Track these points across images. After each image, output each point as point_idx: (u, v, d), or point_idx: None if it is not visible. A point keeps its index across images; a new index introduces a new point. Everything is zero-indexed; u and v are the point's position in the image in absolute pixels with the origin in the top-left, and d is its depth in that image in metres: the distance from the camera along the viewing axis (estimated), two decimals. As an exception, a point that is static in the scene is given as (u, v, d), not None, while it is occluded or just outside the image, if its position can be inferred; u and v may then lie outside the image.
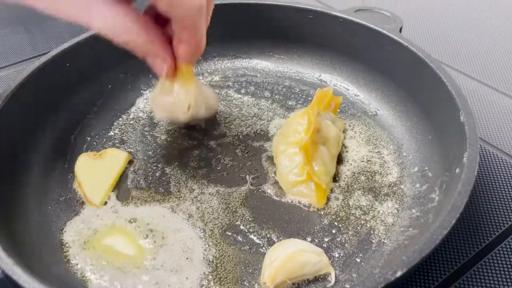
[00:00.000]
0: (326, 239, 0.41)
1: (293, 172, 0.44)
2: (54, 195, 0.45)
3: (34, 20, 0.80)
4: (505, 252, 0.42)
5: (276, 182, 0.46)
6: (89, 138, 0.52)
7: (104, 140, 0.52)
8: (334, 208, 0.44)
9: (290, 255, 0.35)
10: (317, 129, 0.45)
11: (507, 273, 0.41)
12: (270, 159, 0.49)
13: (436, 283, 0.40)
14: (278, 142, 0.47)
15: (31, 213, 0.42)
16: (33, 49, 0.64)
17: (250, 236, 0.41)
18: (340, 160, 0.49)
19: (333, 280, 0.37)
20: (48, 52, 0.51)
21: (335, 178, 0.47)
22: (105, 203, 0.44)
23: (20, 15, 0.83)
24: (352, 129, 0.53)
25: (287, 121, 0.49)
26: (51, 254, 0.40)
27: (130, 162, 0.49)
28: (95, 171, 0.47)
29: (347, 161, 0.49)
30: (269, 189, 0.46)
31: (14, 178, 0.43)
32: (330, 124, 0.47)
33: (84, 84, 0.55)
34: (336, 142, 0.47)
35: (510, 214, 0.45)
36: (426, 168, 0.46)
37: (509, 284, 0.40)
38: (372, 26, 0.53)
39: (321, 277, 0.38)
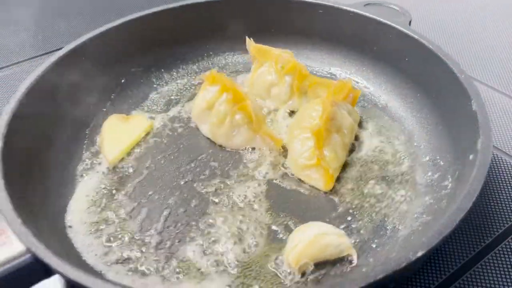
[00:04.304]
0: (341, 226, 0.42)
1: (303, 155, 0.45)
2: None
3: (34, 20, 0.81)
4: (505, 252, 0.43)
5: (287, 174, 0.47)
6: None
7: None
8: (349, 196, 0.45)
9: (312, 238, 0.36)
10: (332, 117, 0.46)
11: (507, 273, 0.41)
12: (285, 150, 0.49)
13: (436, 283, 0.40)
14: (293, 127, 0.48)
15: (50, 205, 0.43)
16: (33, 49, 0.64)
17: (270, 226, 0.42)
18: (353, 151, 0.50)
19: (355, 261, 0.38)
20: (49, 52, 0.52)
21: (348, 168, 0.47)
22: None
23: (20, 15, 0.83)
24: (364, 121, 0.54)
25: (304, 108, 0.50)
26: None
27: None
28: (118, 131, 0.51)
29: (360, 151, 0.50)
30: (284, 180, 0.46)
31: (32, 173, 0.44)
32: (345, 114, 0.48)
33: (97, 78, 0.55)
34: (349, 131, 0.48)
35: (510, 214, 0.46)
36: (438, 157, 0.47)
37: (509, 284, 0.40)
38: (381, 19, 0.54)
39: (343, 259, 0.38)
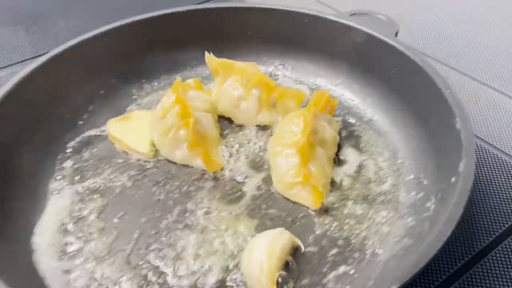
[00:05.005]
0: (318, 250, 0.40)
1: (289, 173, 0.43)
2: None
3: (34, 20, 0.80)
4: (505, 252, 0.42)
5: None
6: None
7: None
8: (328, 217, 0.43)
9: (268, 252, 0.36)
10: (314, 130, 0.45)
11: (507, 273, 0.40)
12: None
13: (436, 283, 0.40)
14: (274, 143, 0.47)
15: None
16: (33, 49, 0.63)
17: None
18: (334, 167, 0.48)
19: (303, 248, 0.39)
20: (47, 53, 0.51)
21: (330, 186, 0.46)
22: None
23: (20, 15, 0.82)
24: (348, 135, 0.52)
25: (282, 122, 0.48)
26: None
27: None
28: (130, 128, 0.51)
29: (342, 168, 0.48)
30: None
31: None
32: (326, 125, 0.47)
33: (75, 90, 0.54)
34: (332, 143, 0.47)
35: (510, 214, 0.45)
36: (422, 175, 0.45)
37: (509, 284, 0.39)
38: (366, 30, 0.52)
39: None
